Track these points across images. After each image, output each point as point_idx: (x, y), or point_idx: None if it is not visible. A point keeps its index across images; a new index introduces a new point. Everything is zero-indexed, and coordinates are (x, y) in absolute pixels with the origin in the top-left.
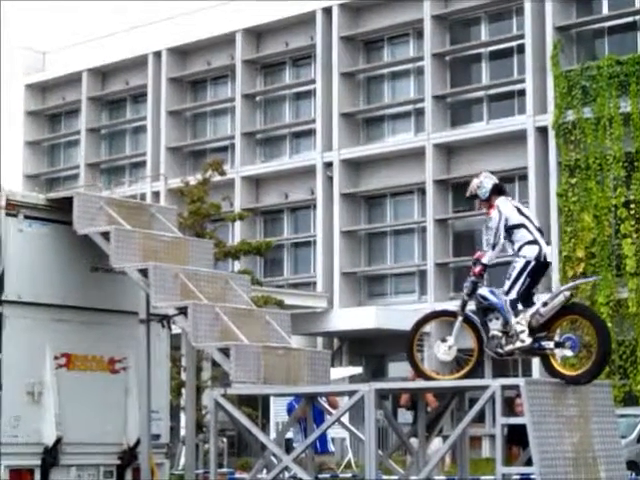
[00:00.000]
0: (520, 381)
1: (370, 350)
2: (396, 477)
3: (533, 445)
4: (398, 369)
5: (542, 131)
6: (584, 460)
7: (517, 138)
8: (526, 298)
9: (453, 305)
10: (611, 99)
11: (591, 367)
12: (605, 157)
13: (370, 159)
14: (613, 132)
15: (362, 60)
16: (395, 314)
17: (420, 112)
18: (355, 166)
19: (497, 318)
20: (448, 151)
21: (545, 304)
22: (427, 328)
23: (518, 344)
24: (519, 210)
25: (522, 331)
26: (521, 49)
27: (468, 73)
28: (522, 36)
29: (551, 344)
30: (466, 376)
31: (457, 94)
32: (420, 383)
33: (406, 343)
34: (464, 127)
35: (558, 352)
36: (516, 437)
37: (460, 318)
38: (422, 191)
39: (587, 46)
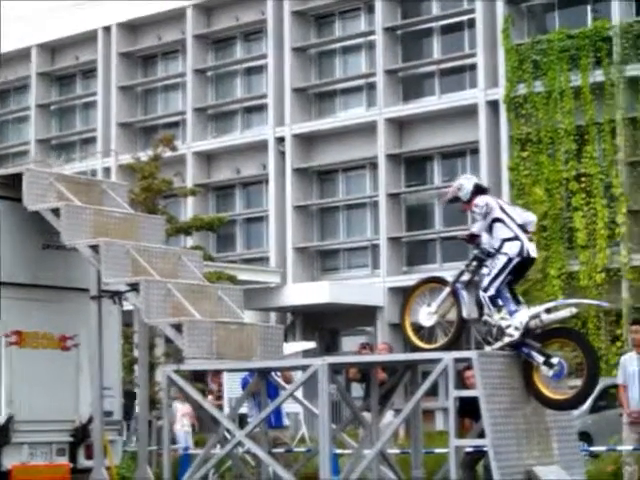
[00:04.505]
0: (472, 354)
1: (323, 325)
2: (350, 451)
3: (485, 417)
4: (351, 343)
5: (493, 105)
6: (536, 432)
7: (468, 112)
8: (512, 295)
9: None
10: (562, 73)
11: (575, 397)
12: (556, 130)
13: (322, 134)
14: (564, 106)
15: (313, 35)
16: (348, 289)
17: (372, 86)
18: (307, 141)
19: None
20: (400, 125)
21: (548, 310)
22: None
23: (506, 339)
24: (500, 207)
25: (508, 326)
26: (472, 23)
27: (419, 47)
28: (473, 10)
29: (541, 359)
30: (445, 348)
31: (408, 68)
32: (373, 357)
33: (400, 311)
34: (416, 101)
35: (544, 369)
36: (468, 410)
37: (448, 289)
38: (374, 165)
39: (538, 20)
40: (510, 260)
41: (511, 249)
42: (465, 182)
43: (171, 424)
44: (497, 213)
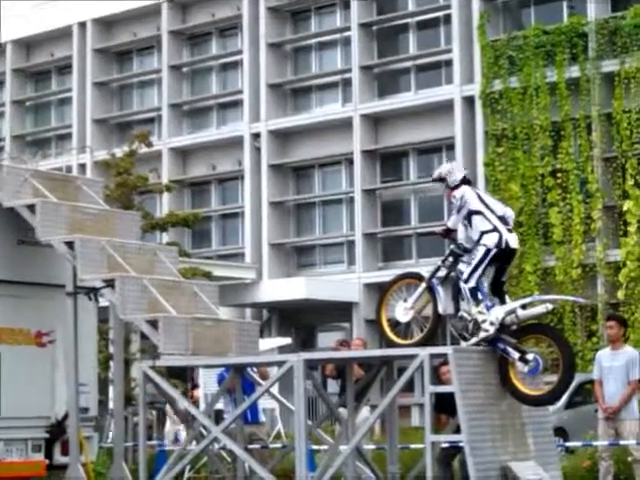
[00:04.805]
0: (448, 349)
1: (299, 321)
2: (326, 447)
3: (461, 413)
4: (327, 339)
5: (469, 101)
6: (512, 427)
7: (444, 108)
8: (494, 287)
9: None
10: (537, 69)
11: (550, 393)
12: (532, 126)
13: (298, 130)
14: (540, 102)
15: (289, 30)
16: (324, 285)
17: (347, 82)
18: (283, 137)
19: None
20: (375, 121)
21: (524, 306)
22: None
23: (482, 334)
24: (479, 197)
25: (484, 320)
26: (448, 19)
27: (395, 43)
28: (449, 6)
29: (516, 355)
30: (421, 343)
31: (384, 64)
32: (348, 353)
33: (376, 307)
34: (391, 97)
35: (520, 365)
36: (444, 405)
37: (424, 284)
38: (350, 161)
39: (513, 16)
40: (488, 251)
41: (489, 240)
42: (456, 169)
43: (150, 422)
44: (475, 205)
